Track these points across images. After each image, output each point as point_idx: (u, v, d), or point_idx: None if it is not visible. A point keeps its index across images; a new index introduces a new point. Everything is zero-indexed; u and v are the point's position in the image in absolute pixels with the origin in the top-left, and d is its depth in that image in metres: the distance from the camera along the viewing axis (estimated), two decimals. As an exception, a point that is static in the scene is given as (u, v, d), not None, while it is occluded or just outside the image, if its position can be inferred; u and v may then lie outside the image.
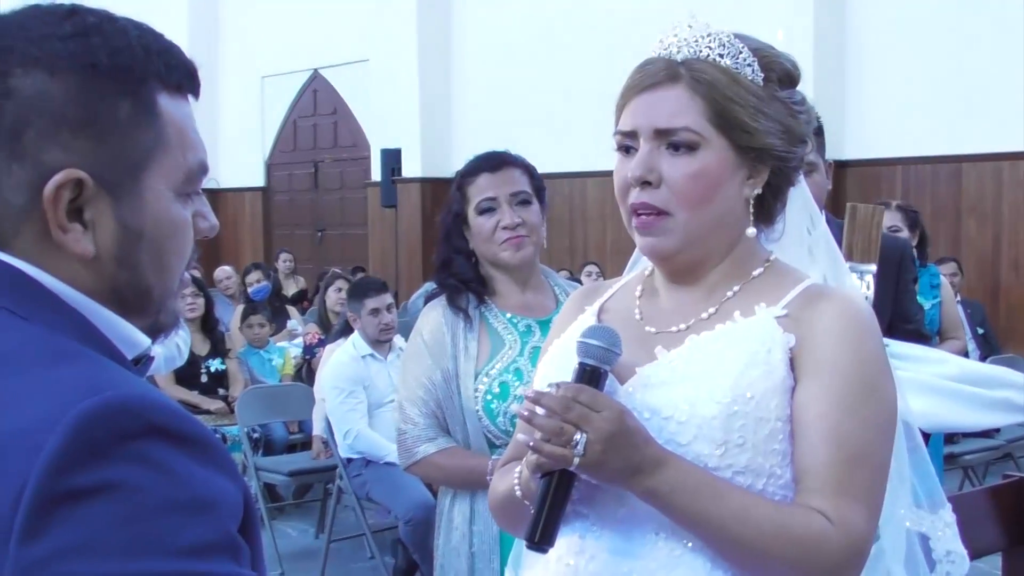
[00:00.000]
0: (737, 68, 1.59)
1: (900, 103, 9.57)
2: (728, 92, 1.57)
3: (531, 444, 1.49)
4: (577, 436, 1.46)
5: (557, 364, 1.66)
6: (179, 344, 4.27)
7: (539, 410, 1.49)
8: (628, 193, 1.61)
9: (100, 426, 0.94)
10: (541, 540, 1.51)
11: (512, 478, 1.64)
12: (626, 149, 1.62)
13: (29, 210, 1.06)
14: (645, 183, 1.58)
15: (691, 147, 1.57)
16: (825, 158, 3.24)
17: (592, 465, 1.47)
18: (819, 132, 3.16)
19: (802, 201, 1.75)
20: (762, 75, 1.60)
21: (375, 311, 5.59)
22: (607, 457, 1.46)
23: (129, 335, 1.12)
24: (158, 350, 1.19)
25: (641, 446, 1.48)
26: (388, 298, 5.70)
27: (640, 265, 1.80)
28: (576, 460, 1.46)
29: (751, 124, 1.58)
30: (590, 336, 1.54)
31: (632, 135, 1.61)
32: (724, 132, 1.58)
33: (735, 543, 1.49)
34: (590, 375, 1.52)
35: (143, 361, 1.15)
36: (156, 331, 1.16)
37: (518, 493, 1.62)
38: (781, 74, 1.63)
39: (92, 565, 0.91)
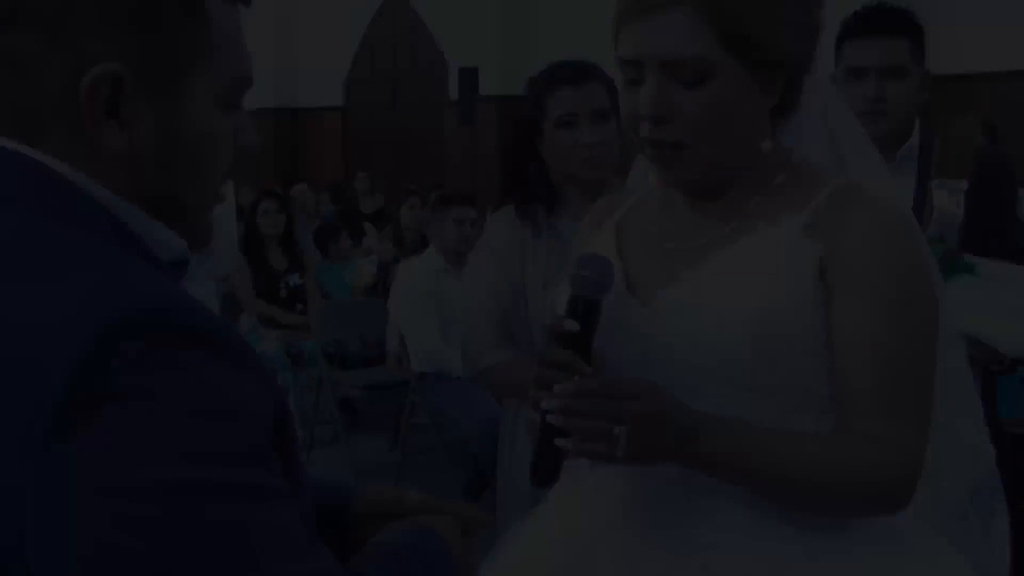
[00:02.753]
0: None
1: (992, 14, 9.23)
2: (736, 9, 1.42)
3: (571, 449, 1.40)
4: (616, 431, 1.38)
5: None
6: None
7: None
8: (639, 126, 1.49)
9: (128, 329, 0.90)
10: (541, 480, 1.46)
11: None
12: (632, 81, 1.49)
13: (66, 103, 1.01)
14: (657, 118, 1.47)
15: (703, 76, 1.44)
16: (923, 66, 3.08)
17: (640, 454, 1.40)
18: (917, 37, 2.99)
19: (814, 88, 1.59)
20: None
21: (459, 222, 5.57)
22: (653, 440, 1.39)
23: (164, 237, 1.07)
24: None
25: (677, 417, 1.41)
26: (472, 212, 5.69)
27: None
28: (620, 455, 1.39)
29: (766, 39, 1.44)
30: (580, 267, 1.46)
31: (636, 64, 1.48)
32: (737, 54, 1.43)
33: (790, 488, 1.45)
34: (585, 308, 1.45)
35: (179, 265, 1.11)
36: (188, 244, 1.12)
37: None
38: None
39: (118, 471, 0.87)
